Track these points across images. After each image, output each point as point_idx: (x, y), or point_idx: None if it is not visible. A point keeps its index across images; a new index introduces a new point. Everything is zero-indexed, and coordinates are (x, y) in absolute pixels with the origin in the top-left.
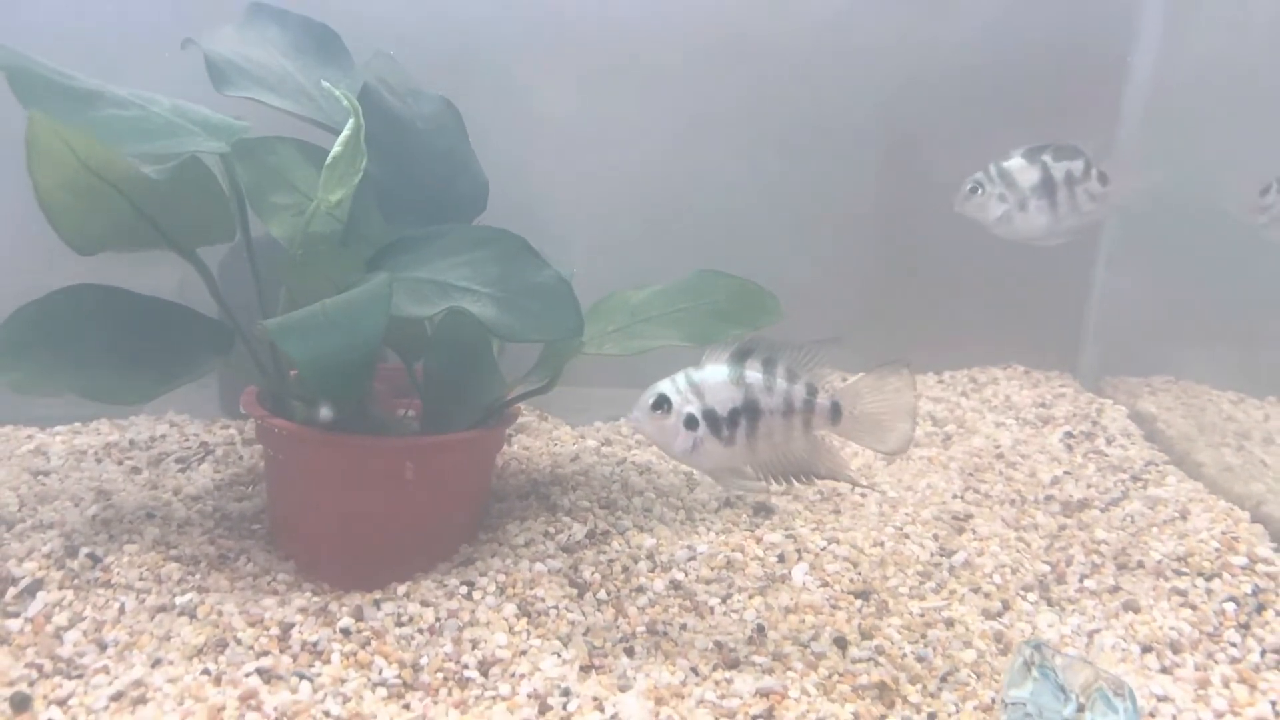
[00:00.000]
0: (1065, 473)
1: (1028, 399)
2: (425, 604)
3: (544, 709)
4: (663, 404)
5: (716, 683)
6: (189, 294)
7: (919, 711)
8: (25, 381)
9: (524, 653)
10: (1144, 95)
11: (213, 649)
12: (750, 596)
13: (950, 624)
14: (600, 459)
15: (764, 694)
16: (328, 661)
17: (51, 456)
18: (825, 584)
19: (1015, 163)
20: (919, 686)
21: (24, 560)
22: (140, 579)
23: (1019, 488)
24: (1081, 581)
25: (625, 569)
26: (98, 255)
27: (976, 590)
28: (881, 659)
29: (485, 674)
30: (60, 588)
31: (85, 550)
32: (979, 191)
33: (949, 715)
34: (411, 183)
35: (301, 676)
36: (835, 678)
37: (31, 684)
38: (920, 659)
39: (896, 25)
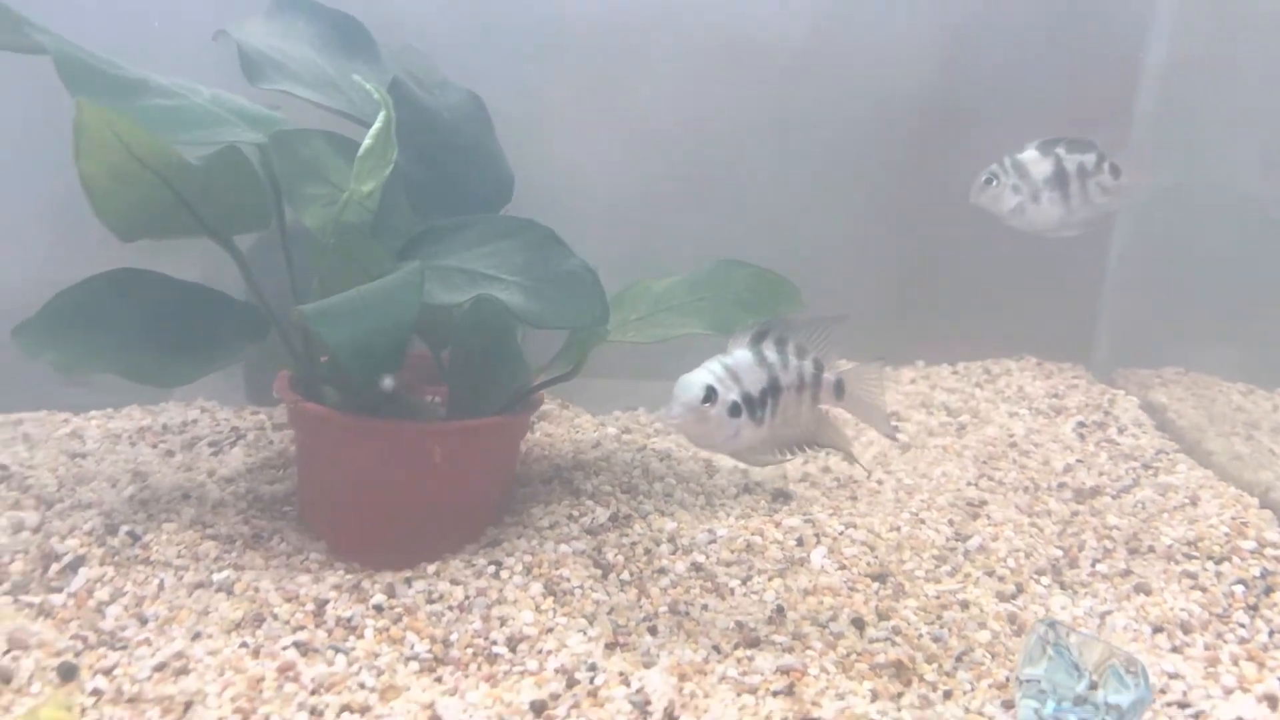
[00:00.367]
0: (1078, 461)
1: (1041, 389)
2: (454, 582)
3: (571, 683)
4: (711, 395)
5: (738, 660)
6: (211, 282)
7: (935, 689)
8: (67, 361)
9: (550, 630)
10: (1156, 90)
11: (250, 623)
12: (770, 578)
13: (965, 606)
14: (621, 445)
15: (784, 671)
16: (361, 636)
17: (87, 440)
18: (843, 567)
19: (1029, 155)
20: (935, 666)
21: (66, 537)
22: (178, 556)
23: (1032, 475)
24: (1094, 565)
25: (647, 551)
26: (121, 245)
27: (991, 574)
28: (898, 639)
29: (513, 650)
30: (101, 564)
31: (125, 528)
32: (993, 183)
33: (964, 693)
34: (439, 174)
35: (337, 650)
36: (853, 657)
37: (77, 654)
38: (936, 639)
39: (911, 24)
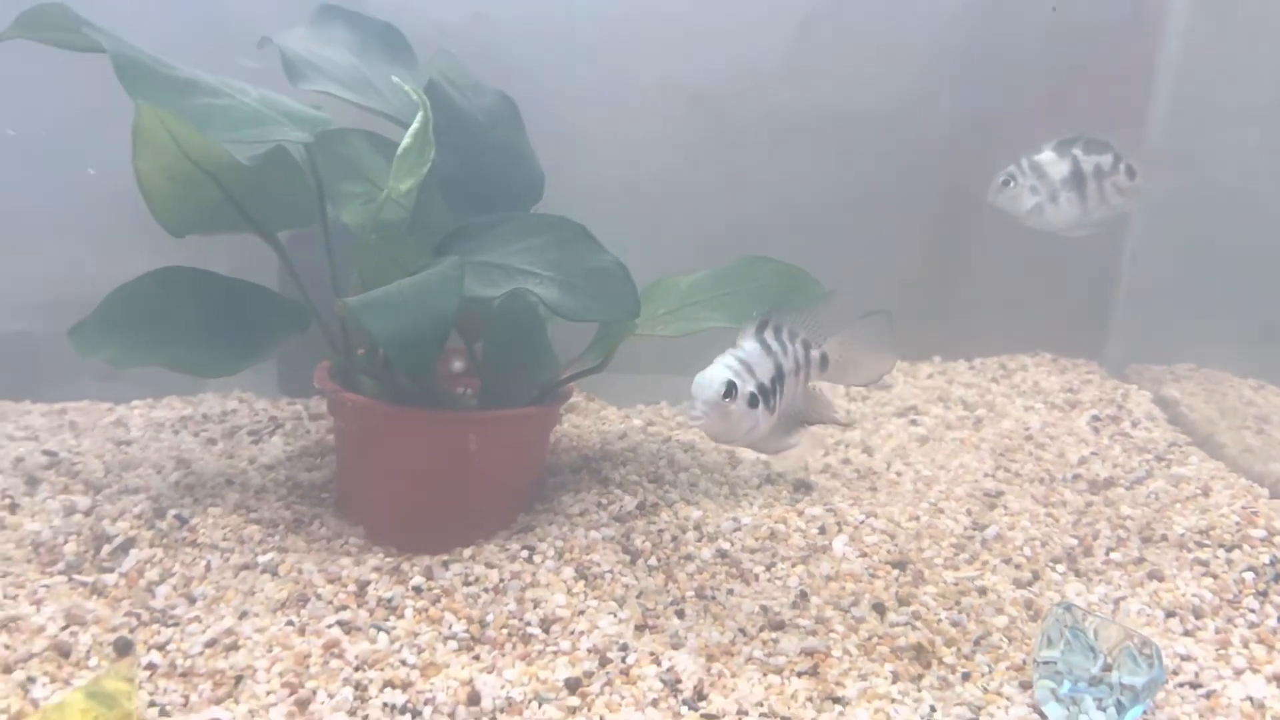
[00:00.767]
0: (1092, 453)
1: (1056, 385)
2: (489, 566)
3: (604, 661)
4: (732, 391)
5: (764, 642)
6: (239, 276)
7: (954, 671)
8: (121, 356)
9: (582, 612)
10: (1170, 88)
11: (295, 603)
12: (793, 565)
13: (983, 592)
14: (647, 437)
15: (808, 653)
16: (402, 616)
17: (131, 428)
18: (864, 554)
19: (1046, 156)
20: (954, 649)
21: (116, 520)
22: (224, 539)
23: (1048, 467)
24: (1108, 554)
25: (674, 538)
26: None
27: (1008, 561)
28: (918, 623)
29: (547, 630)
30: (150, 546)
31: (172, 512)
32: (1011, 184)
33: (982, 675)
34: (473, 173)
35: (379, 629)
36: (875, 640)
37: (132, 630)
38: (955, 624)
39: (928, 25)
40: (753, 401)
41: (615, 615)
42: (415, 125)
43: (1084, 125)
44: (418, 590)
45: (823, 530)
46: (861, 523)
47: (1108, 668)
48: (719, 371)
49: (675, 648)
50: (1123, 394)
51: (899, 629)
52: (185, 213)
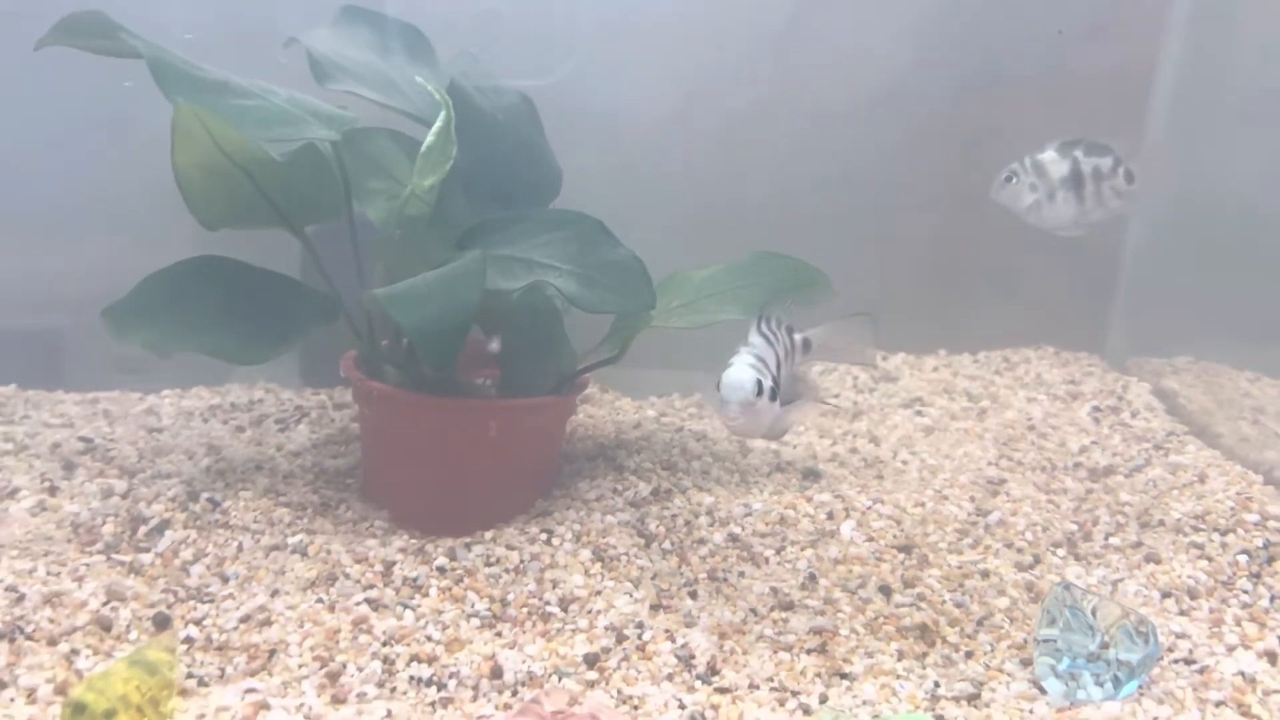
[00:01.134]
0: (1093, 442)
1: (1058, 377)
2: (510, 548)
3: (621, 638)
4: (760, 389)
5: (774, 621)
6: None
7: (957, 650)
8: (156, 341)
9: (599, 592)
10: (1170, 95)
11: (324, 582)
12: (802, 549)
13: (986, 575)
14: (660, 426)
15: (817, 632)
16: (426, 594)
17: (162, 416)
18: (871, 539)
19: (1048, 155)
20: (957, 629)
21: (152, 503)
22: (254, 521)
23: (1049, 456)
24: (1107, 539)
25: (687, 523)
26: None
27: (1010, 546)
28: (923, 604)
29: (565, 609)
30: (185, 527)
31: (205, 495)
32: (1013, 180)
33: (984, 653)
34: (493, 170)
35: (405, 606)
36: (881, 620)
37: (169, 606)
38: (958, 605)
39: (933, 31)
40: (773, 395)
41: (631, 595)
42: (438, 124)
43: (1084, 118)
44: (441, 570)
45: (831, 516)
46: (869, 509)
47: (1105, 645)
48: (747, 372)
49: (689, 626)
50: (1123, 386)
51: (904, 609)
52: (219, 206)
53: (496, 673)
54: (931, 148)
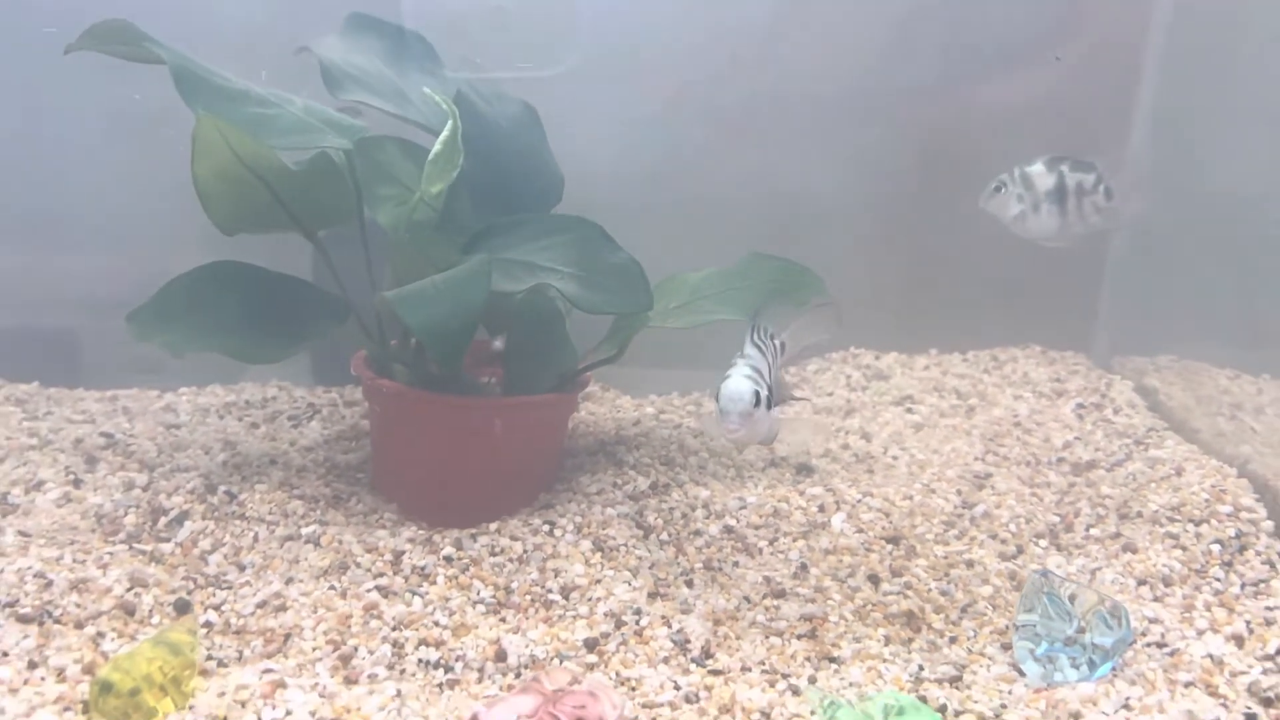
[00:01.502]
0: (1076, 438)
1: (1044, 375)
2: (514, 539)
3: (619, 624)
4: (758, 399)
5: (766, 609)
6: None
7: (942, 636)
8: (178, 343)
9: (599, 581)
10: (1155, 86)
11: (336, 570)
12: (794, 540)
13: (970, 565)
14: (659, 423)
15: (807, 618)
16: (434, 582)
17: (180, 413)
18: (860, 530)
19: (1036, 168)
20: (942, 616)
21: (171, 495)
22: (269, 513)
23: (1034, 451)
24: (1087, 530)
25: (684, 515)
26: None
27: (994, 537)
28: (909, 592)
29: (566, 597)
30: (203, 518)
31: (222, 488)
32: (1001, 190)
33: (968, 639)
34: (497, 177)
35: (413, 593)
36: (869, 607)
37: (189, 592)
38: (944, 593)
39: (925, 36)
40: (769, 403)
41: (629, 584)
42: (445, 133)
43: (1073, 117)
44: (448, 560)
45: (822, 508)
46: (859, 502)
47: (1081, 630)
48: (745, 384)
49: (685, 613)
50: (1106, 383)
51: (891, 597)
52: (237, 213)
53: (501, 656)
54: (923, 150)
